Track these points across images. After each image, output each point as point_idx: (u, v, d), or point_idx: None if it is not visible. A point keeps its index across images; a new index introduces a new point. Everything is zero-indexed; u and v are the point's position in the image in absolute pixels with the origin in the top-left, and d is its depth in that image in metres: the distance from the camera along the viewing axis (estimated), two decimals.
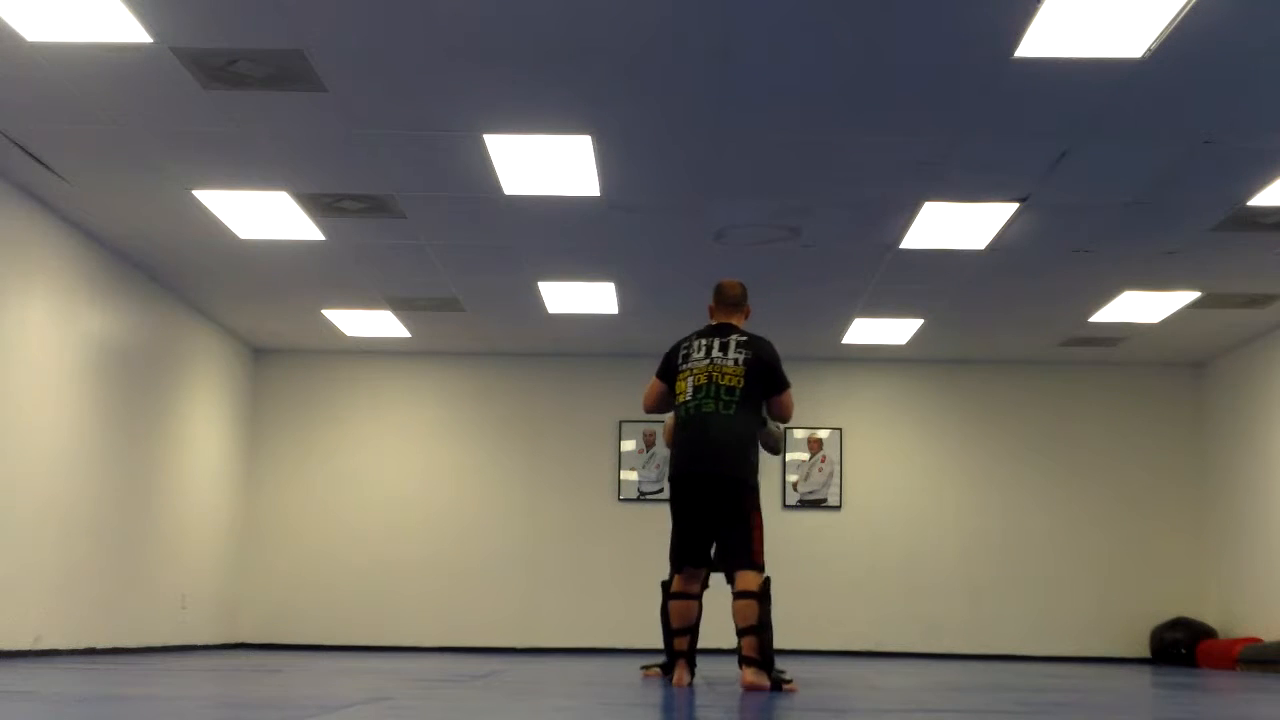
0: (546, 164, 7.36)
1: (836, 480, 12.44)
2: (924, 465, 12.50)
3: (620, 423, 12.21)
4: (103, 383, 9.24)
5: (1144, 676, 8.79)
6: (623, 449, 12.38)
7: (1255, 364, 11.37)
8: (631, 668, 7.95)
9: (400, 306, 10.78)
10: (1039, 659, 11.82)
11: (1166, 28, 5.57)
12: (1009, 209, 8.00)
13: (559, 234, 8.66)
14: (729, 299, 5.97)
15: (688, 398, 5.70)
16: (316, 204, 8.18)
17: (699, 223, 8.46)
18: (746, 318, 6.00)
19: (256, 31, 5.80)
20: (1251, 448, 11.34)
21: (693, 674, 5.86)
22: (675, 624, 5.86)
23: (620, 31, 5.78)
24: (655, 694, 5.14)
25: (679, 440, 5.71)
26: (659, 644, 11.76)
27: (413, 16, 5.66)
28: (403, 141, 7.12)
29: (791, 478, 12.44)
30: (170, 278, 10.07)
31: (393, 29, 5.79)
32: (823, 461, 12.47)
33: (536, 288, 10.09)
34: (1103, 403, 12.47)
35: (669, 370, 5.90)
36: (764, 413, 5.96)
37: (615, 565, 11.95)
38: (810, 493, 12.43)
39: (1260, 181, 7.42)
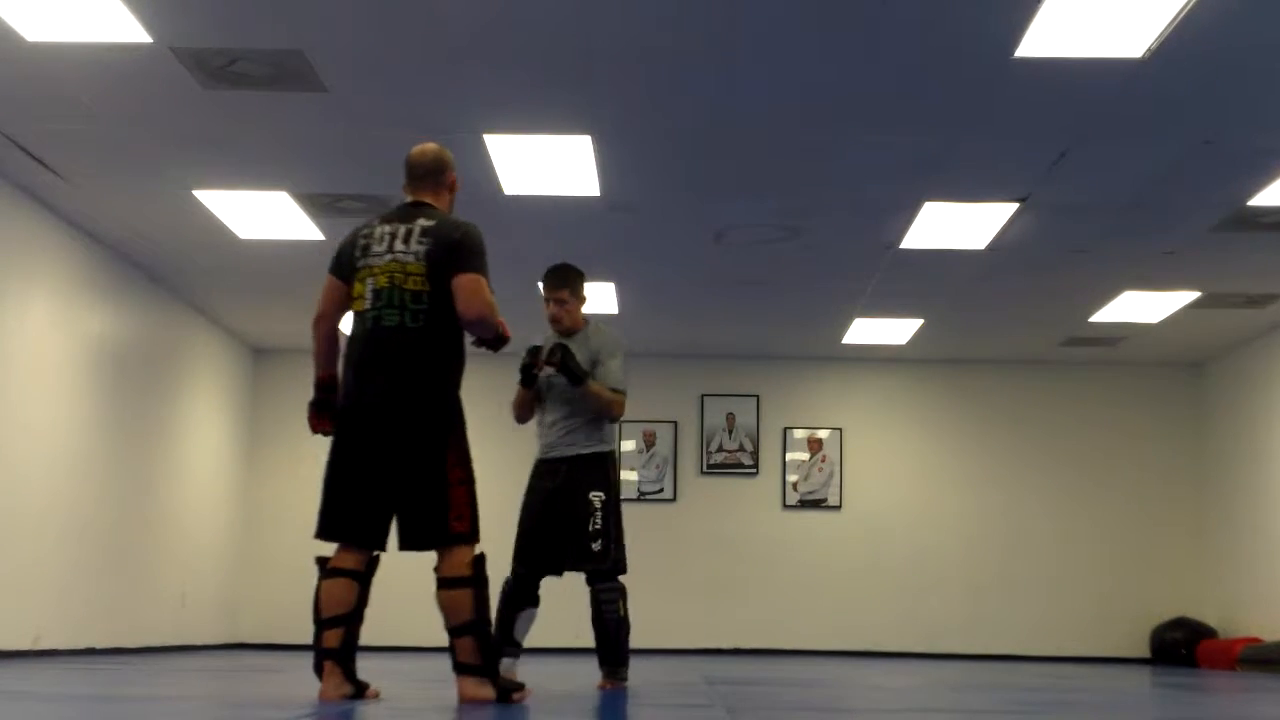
0: (546, 164, 7.36)
1: (836, 480, 12.44)
2: (924, 465, 12.50)
3: (620, 423, 12.16)
4: (103, 383, 9.24)
5: (1144, 676, 8.79)
6: (623, 449, 12.38)
7: (1255, 364, 11.36)
8: (638, 667, 7.93)
9: None
10: (1039, 659, 11.81)
11: (1166, 28, 5.57)
12: (1009, 209, 8.00)
13: (559, 234, 8.66)
14: (414, 169, 4.53)
15: (365, 305, 4.31)
16: (316, 204, 8.18)
17: (699, 223, 8.46)
18: (453, 192, 4.59)
19: (256, 31, 5.80)
20: (1251, 448, 11.34)
21: (351, 681, 4.27)
22: (326, 612, 4.28)
23: (620, 31, 5.78)
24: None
25: (349, 360, 4.35)
26: (660, 644, 11.82)
27: (413, 16, 5.66)
28: (403, 141, 7.08)
29: (791, 478, 12.44)
30: (170, 278, 10.07)
31: (393, 29, 5.79)
32: (823, 461, 12.47)
33: (537, 288, 10.06)
34: (1103, 403, 12.47)
35: (344, 264, 4.43)
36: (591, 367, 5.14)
37: None
38: (810, 493, 12.43)
39: (1260, 181, 7.42)
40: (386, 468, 4.21)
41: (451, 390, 4.32)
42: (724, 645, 12.10)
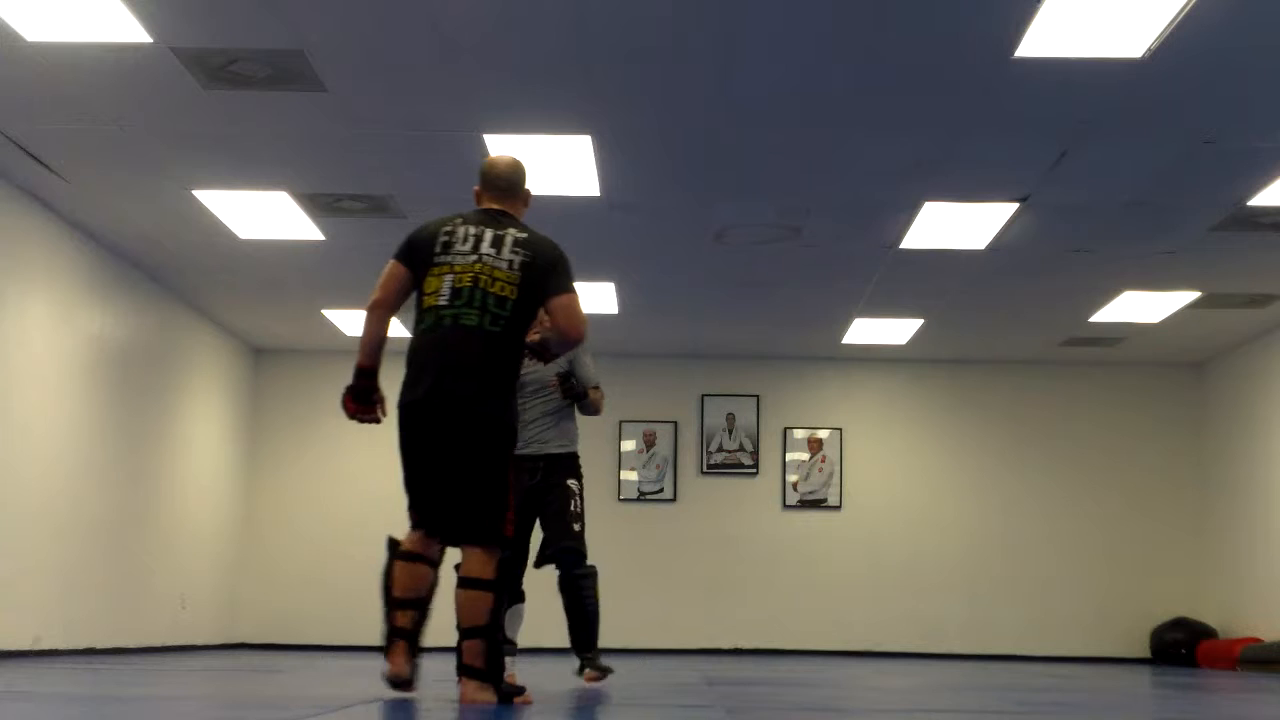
0: (546, 164, 7.35)
1: (836, 480, 12.44)
2: (924, 465, 12.50)
3: (620, 423, 12.21)
4: (103, 383, 9.24)
5: (1144, 676, 8.79)
6: (623, 449, 12.39)
7: (1255, 364, 11.36)
8: (638, 667, 7.94)
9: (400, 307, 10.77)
10: (1039, 659, 11.81)
11: (1166, 28, 5.57)
12: (1009, 209, 8.00)
13: (559, 234, 8.63)
14: (498, 181, 4.56)
15: (442, 301, 4.29)
16: (316, 204, 8.18)
17: (699, 223, 8.46)
18: (527, 207, 4.66)
19: (256, 31, 5.80)
20: (1251, 448, 11.34)
21: (414, 664, 4.37)
22: (398, 592, 4.36)
23: (620, 32, 5.78)
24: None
25: (420, 355, 4.31)
26: (660, 644, 11.83)
27: (413, 16, 5.66)
28: (403, 141, 7.13)
29: (791, 478, 12.44)
30: (170, 278, 10.07)
31: (393, 29, 5.79)
32: (823, 461, 12.47)
33: None
34: (1103, 403, 12.47)
35: (417, 255, 4.39)
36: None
37: (615, 565, 11.88)
38: (810, 493, 12.43)
39: (1260, 181, 7.42)
40: (457, 462, 4.22)
41: (513, 396, 4.36)
42: (724, 645, 12.10)
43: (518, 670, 5.40)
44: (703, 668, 8.34)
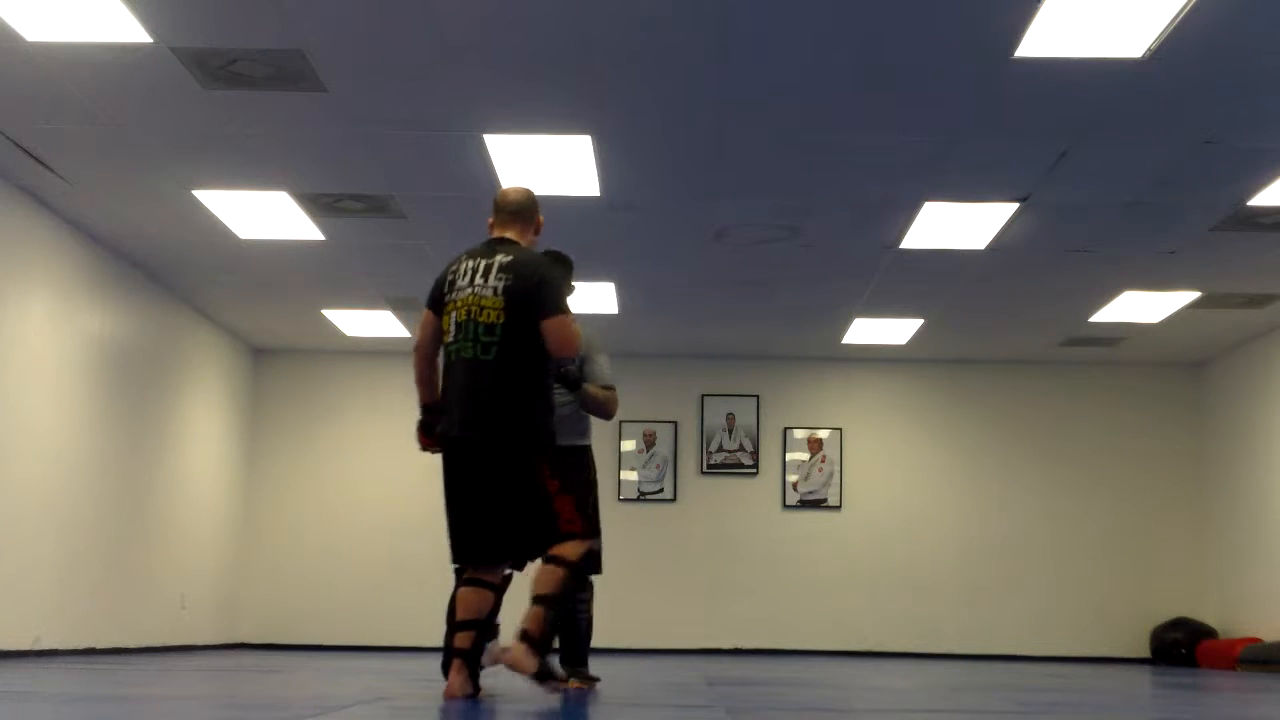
0: (546, 164, 7.36)
1: (836, 480, 12.44)
2: (924, 465, 12.50)
3: (620, 423, 12.20)
4: (103, 383, 9.24)
5: (1144, 676, 8.79)
6: (623, 449, 12.39)
7: (1255, 364, 11.36)
8: (638, 667, 7.94)
9: (400, 306, 10.78)
10: (1039, 659, 11.82)
11: (1166, 28, 5.57)
12: (1009, 209, 8.00)
13: (559, 234, 8.64)
14: (506, 206, 4.78)
15: (450, 338, 4.55)
16: (316, 204, 8.18)
17: (699, 223, 8.46)
18: (538, 233, 4.85)
19: (256, 31, 5.80)
20: (1251, 448, 11.34)
21: (475, 684, 4.57)
22: (460, 614, 4.54)
23: (620, 31, 5.78)
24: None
25: (446, 391, 4.57)
26: (660, 644, 11.82)
27: (413, 17, 5.66)
28: (403, 141, 7.12)
29: (791, 478, 12.44)
30: (170, 278, 10.07)
31: (393, 29, 5.79)
32: (823, 461, 12.47)
33: None
34: (1103, 403, 12.47)
35: (436, 298, 4.67)
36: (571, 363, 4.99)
37: (615, 565, 11.90)
38: (810, 493, 12.43)
39: (1260, 181, 7.42)
40: (482, 493, 4.44)
41: (533, 412, 4.49)
42: (724, 645, 12.10)
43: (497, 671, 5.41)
44: (703, 668, 8.34)
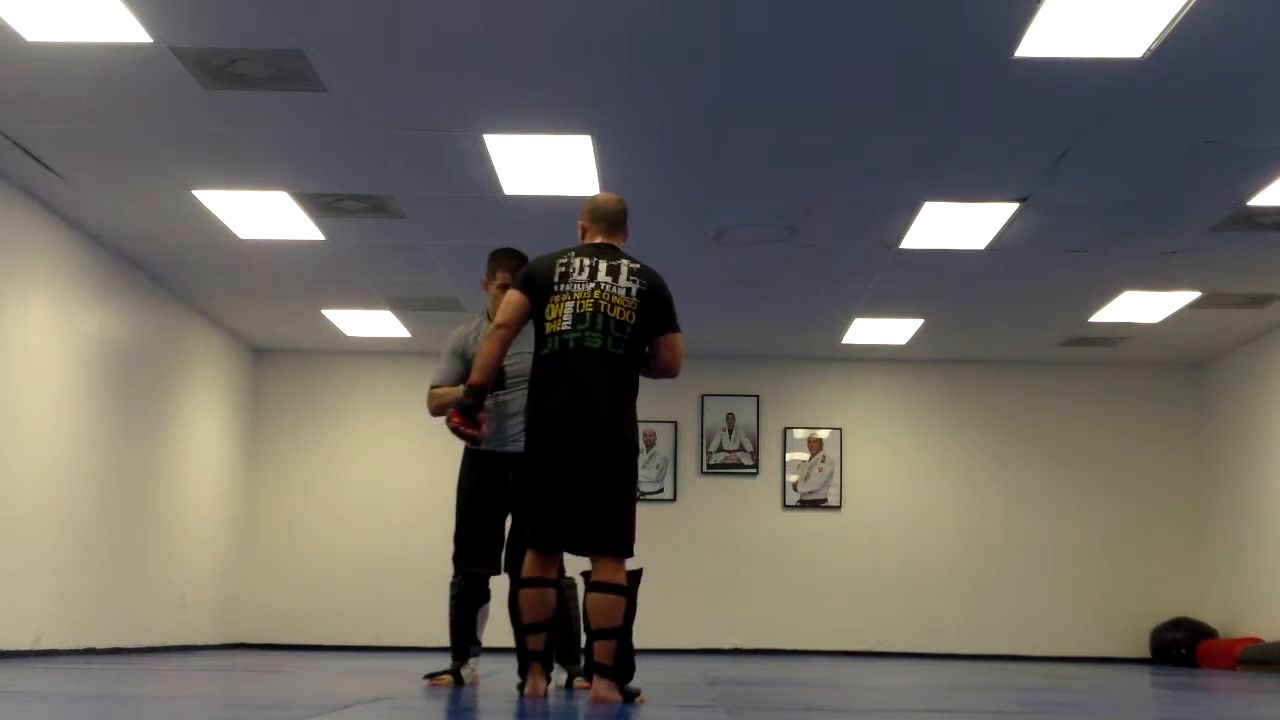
0: (546, 164, 7.36)
1: (836, 480, 12.44)
2: (924, 465, 12.50)
3: None
4: (103, 383, 9.24)
5: (1144, 676, 8.79)
6: None
7: (1255, 364, 11.36)
8: (638, 667, 7.94)
9: (400, 306, 10.78)
10: (1039, 659, 11.81)
11: (1166, 28, 5.57)
12: (1009, 209, 8.00)
13: (560, 235, 8.63)
14: (609, 215, 4.88)
15: (564, 326, 4.58)
16: (316, 204, 8.18)
17: (699, 223, 8.46)
18: (625, 242, 4.98)
19: (256, 31, 5.80)
20: (1251, 448, 11.34)
21: (548, 680, 4.79)
22: (527, 618, 4.65)
23: (620, 31, 5.78)
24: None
25: (547, 379, 4.58)
26: (660, 644, 11.81)
27: (413, 16, 5.66)
28: (403, 141, 7.12)
29: (791, 478, 12.44)
30: (170, 278, 10.07)
31: (393, 29, 5.79)
32: (823, 461, 12.47)
33: None
34: (1103, 403, 12.47)
35: (536, 285, 4.70)
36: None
37: None
38: (810, 493, 12.43)
39: (1260, 181, 7.42)
40: (589, 477, 4.49)
41: (634, 414, 4.65)
42: (724, 645, 12.10)
43: (480, 670, 5.42)
44: (703, 668, 8.34)
